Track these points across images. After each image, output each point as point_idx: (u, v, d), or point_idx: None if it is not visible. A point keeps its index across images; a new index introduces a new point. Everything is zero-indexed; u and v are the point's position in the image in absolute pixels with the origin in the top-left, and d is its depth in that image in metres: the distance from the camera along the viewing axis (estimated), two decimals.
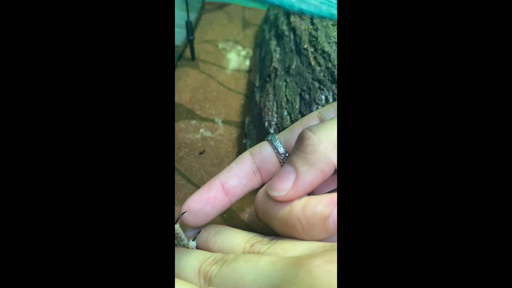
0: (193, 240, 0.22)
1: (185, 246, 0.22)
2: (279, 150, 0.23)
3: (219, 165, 0.36)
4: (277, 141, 0.23)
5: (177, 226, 0.22)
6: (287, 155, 0.23)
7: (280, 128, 0.29)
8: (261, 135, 0.32)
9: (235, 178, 0.23)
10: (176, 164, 0.35)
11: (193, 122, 0.40)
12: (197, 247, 0.22)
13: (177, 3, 0.51)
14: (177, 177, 0.34)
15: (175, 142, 0.37)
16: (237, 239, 0.21)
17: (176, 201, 0.31)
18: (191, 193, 0.33)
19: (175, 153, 0.36)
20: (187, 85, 0.46)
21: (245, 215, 0.31)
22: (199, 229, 0.23)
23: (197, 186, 0.33)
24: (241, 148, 0.37)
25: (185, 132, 0.39)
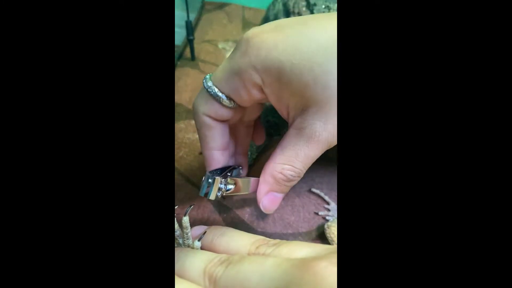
0: (198, 241, 0.22)
1: (190, 246, 0.22)
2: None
3: None
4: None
5: (185, 219, 0.22)
6: None
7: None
8: None
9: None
10: (176, 164, 0.35)
11: (193, 122, 0.40)
12: (202, 248, 0.22)
13: (177, 3, 0.51)
14: (177, 177, 0.34)
15: (175, 142, 0.37)
16: (242, 241, 0.21)
17: (176, 201, 0.31)
18: (190, 192, 0.34)
19: (175, 153, 0.36)
20: (187, 85, 0.46)
21: (245, 215, 0.31)
22: (204, 229, 0.23)
23: (196, 186, 0.33)
24: None
25: (185, 132, 0.39)
